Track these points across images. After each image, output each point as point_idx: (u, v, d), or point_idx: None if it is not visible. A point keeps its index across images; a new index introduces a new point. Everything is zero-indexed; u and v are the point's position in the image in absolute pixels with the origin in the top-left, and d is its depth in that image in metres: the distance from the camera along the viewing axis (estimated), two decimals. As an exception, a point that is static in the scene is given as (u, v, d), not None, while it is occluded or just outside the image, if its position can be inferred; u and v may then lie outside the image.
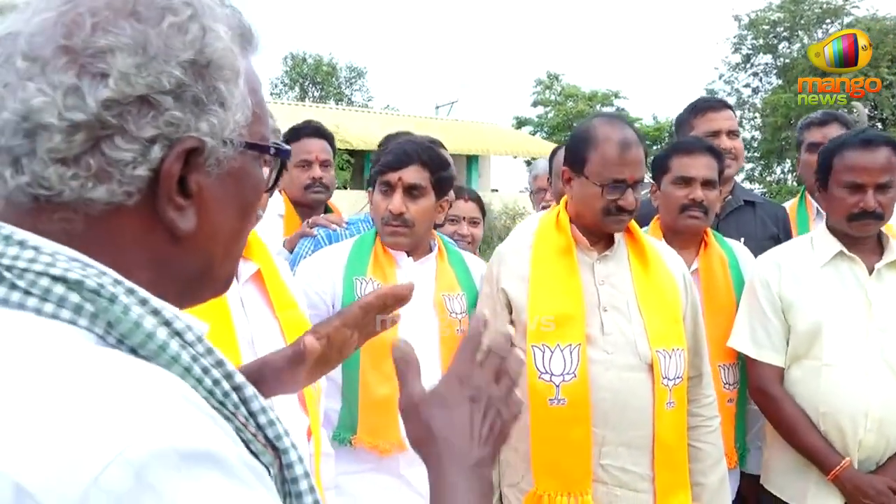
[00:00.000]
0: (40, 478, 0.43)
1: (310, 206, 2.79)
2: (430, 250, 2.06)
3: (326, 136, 2.88)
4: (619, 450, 1.78)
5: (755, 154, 27.41)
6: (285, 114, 17.35)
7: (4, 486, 0.43)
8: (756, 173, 27.31)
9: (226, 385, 0.59)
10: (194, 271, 0.65)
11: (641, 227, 2.23)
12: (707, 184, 2.24)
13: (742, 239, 2.53)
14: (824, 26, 27.56)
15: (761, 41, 28.54)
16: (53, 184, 0.56)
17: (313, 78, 34.36)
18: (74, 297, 0.54)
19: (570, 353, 1.78)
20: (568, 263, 1.86)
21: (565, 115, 28.20)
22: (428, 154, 2.00)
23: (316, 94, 34.37)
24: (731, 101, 29.08)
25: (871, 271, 2.06)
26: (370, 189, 2.10)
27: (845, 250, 2.08)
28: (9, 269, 0.54)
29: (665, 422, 1.80)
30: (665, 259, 1.97)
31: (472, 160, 19.64)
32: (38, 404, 0.46)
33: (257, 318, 1.82)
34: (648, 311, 1.84)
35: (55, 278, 0.54)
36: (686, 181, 2.24)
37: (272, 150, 0.69)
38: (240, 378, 0.61)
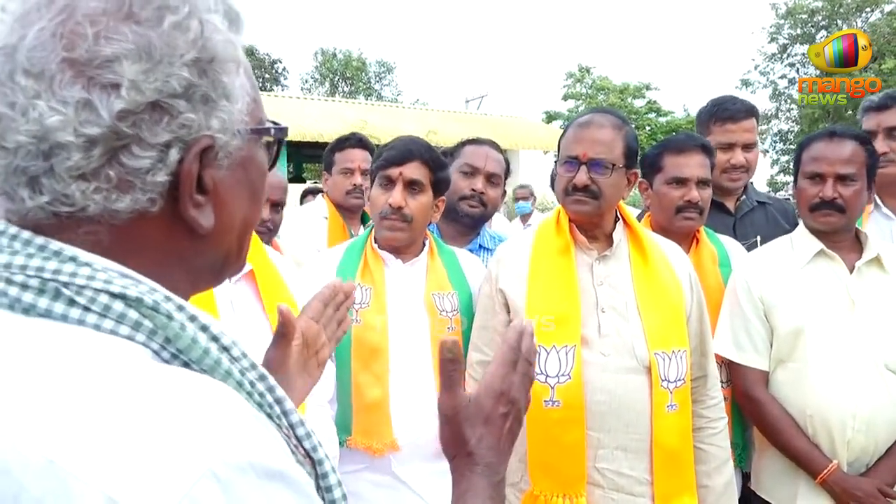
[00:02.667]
0: (132, 492, 0.44)
1: (350, 209, 3.02)
2: (422, 249, 2.07)
3: (369, 147, 3.08)
4: (616, 453, 1.75)
5: (791, 146, 26.86)
6: (315, 109, 17.48)
7: (93, 498, 0.44)
8: (792, 166, 26.75)
9: (269, 398, 0.61)
10: (213, 263, 0.66)
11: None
12: (701, 183, 2.22)
13: (759, 238, 2.52)
14: (864, 15, 26.81)
15: (799, 30, 27.90)
16: (77, 200, 0.55)
17: (343, 73, 34.57)
18: (133, 314, 0.54)
19: (566, 354, 1.76)
20: (565, 264, 1.84)
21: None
22: (429, 153, 2.03)
23: (346, 89, 34.59)
24: (767, 92, 28.52)
25: (851, 270, 2.03)
26: (368, 186, 2.13)
27: (826, 249, 2.05)
28: (66, 285, 0.54)
29: (665, 425, 1.75)
30: (669, 258, 1.93)
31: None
32: (122, 420, 0.47)
33: (247, 317, 1.87)
34: (648, 311, 1.81)
35: (114, 295, 0.54)
36: (681, 182, 2.22)
37: (272, 131, 0.68)
38: (280, 392, 0.62)
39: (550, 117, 29.65)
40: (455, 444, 0.81)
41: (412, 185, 1.98)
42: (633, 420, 1.75)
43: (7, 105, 0.54)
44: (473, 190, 2.43)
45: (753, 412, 2.10)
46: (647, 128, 27.17)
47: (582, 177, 1.81)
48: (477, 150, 2.52)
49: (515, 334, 0.84)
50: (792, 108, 28.47)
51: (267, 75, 34.96)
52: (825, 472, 1.94)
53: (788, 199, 3.26)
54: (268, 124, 0.68)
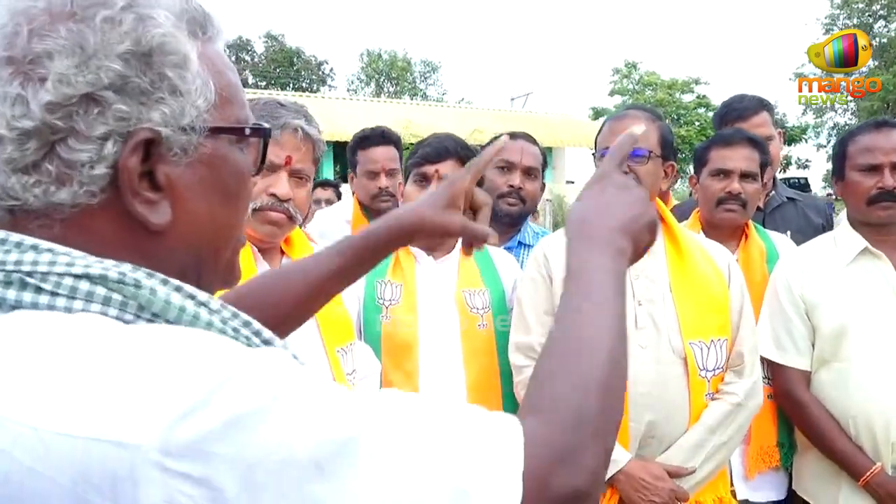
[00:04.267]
0: (119, 425, 0.46)
1: (379, 212, 2.80)
2: (454, 247, 2.09)
3: (393, 140, 2.86)
4: (657, 442, 1.79)
5: (848, 140, 25.96)
6: (361, 109, 17.70)
7: (24, 431, 0.47)
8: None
9: (257, 341, 0.62)
10: (187, 264, 0.65)
11: (681, 221, 2.23)
12: (746, 176, 2.20)
13: (788, 232, 2.50)
14: (926, 2, 25.81)
15: (855, 21, 27.03)
16: (18, 193, 0.57)
17: (388, 73, 34.85)
18: (101, 290, 0.56)
19: None
20: None
21: (644, 104, 27.52)
22: (465, 151, 2.06)
23: (391, 89, 34.85)
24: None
25: None
26: (400, 182, 2.15)
27: (870, 247, 2.01)
28: (30, 274, 0.55)
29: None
30: (707, 249, 1.96)
31: (546, 152, 19.47)
32: (96, 370, 0.49)
33: None
34: (683, 302, 1.83)
35: (78, 276, 0.55)
36: (724, 173, 2.21)
37: (247, 131, 0.67)
38: (268, 333, 0.64)
39: (597, 114, 29.37)
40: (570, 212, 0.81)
41: (421, 179, 2.01)
42: (673, 410, 1.78)
43: None
44: (511, 186, 2.36)
45: (795, 413, 2.07)
46: (697, 123, 26.68)
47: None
48: (512, 144, 2.44)
49: (627, 137, 0.88)
50: (849, 101, 27.58)
51: (314, 76, 35.48)
52: (868, 474, 1.91)
53: (831, 194, 3.19)
54: (247, 125, 0.67)
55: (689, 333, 1.81)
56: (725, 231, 2.24)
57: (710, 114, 27.92)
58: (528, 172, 2.41)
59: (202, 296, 0.60)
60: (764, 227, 2.51)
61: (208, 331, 0.57)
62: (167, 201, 0.61)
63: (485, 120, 16.81)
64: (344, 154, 3.89)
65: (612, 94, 30.45)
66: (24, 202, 0.58)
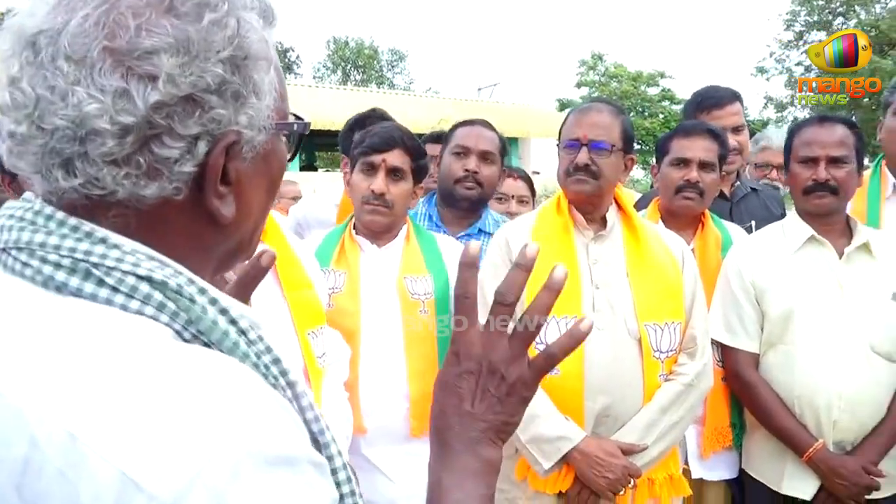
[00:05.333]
0: (146, 468, 0.47)
1: None
2: (398, 234, 2.11)
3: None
4: (611, 420, 1.85)
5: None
6: (327, 98, 17.54)
7: (109, 474, 0.47)
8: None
9: (283, 381, 0.63)
10: (231, 250, 0.69)
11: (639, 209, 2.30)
12: (704, 166, 2.27)
13: (753, 222, 2.59)
14: (882, 1, 26.40)
15: (816, 17, 27.55)
16: (107, 184, 0.57)
17: (355, 62, 34.56)
18: (158, 296, 0.57)
19: (566, 325, 1.83)
20: (566, 240, 1.95)
21: (610, 96, 27.79)
22: (411, 140, 2.09)
23: (358, 77, 34.58)
24: (783, 79, 28.24)
25: (840, 255, 2.08)
26: (346, 170, 2.16)
27: (816, 235, 2.10)
28: (96, 266, 0.57)
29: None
30: (663, 237, 2.04)
31: (512, 143, 19.57)
32: (141, 398, 0.49)
33: (264, 300, 1.93)
34: (639, 287, 1.91)
35: (141, 277, 0.57)
36: (683, 162, 2.27)
37: (295, 126, 0.70)
38: (294, 375, 0.65)
39: (563, 105, 29.53)
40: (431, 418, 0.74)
41: (394, 173, 2.03)
42: (627, 389, 1.85)
43: (47, 88, 0.56)
44: (467, 170, 2.39)
45: (744, 393, 2.16)
46: (661, 115, 27.03)
47: (583, 157, 1.92)
48: (468, 130, 2.49)
49: (462, 289, 0.74)
50: (809, 96, 28.07)
51: (280, 63, 34.95)
52: (811, 450, 2.01)
53: (778, 187, 3.29)
54: (291, 118, 0.70)
55: (644, 316, 1.88)
56: (683, 219, 2.31)
57: (675, 107, 28.34)
58: (485, 157, 2.44)
59: (243, 323, 0.62)
60: (731, 216, 2.60)
61: (244, 363, 0.59)
62: (232, 195, 0.64)
63: (452, 109, 16.79)
64: (310, 142, 3.85)
65: (578, 85, 30.67)
66: (109, 192, 0.58)
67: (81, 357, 0.52)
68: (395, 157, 2.04)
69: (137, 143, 0.57)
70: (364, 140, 2.08)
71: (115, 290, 0.57)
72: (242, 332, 0.61)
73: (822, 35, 28.00)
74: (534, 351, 0.72)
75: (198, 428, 0.49)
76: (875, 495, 2.01)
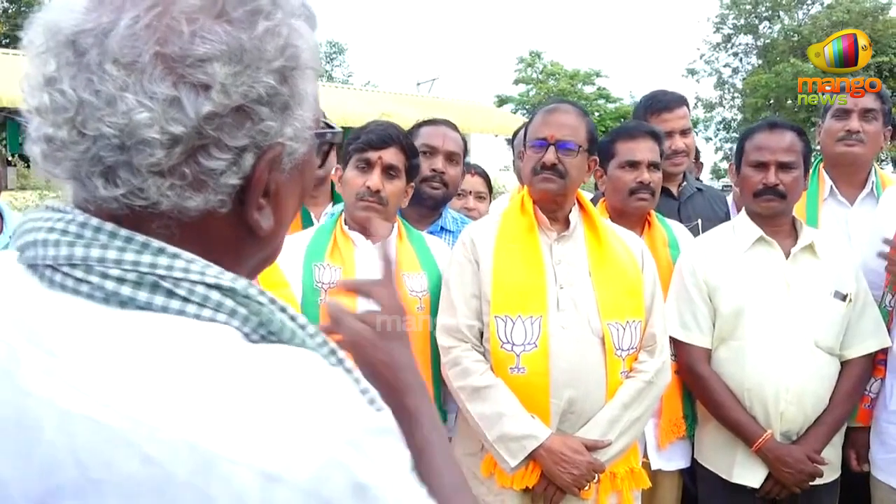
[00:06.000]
0: (281, 460, 0.47)
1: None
2: (390, 232, 2.10)
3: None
4: (575, 417, 1.90)
5: (734, 134, 27.61)
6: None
7: (245, 474, 0.46)
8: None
9: (342, 368, 0.63)
10: (263, 259, 0.68)
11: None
12: (651, 166, 2.35)
13: (700, 220, 2.69)
14: (805, 7, 27.60)
15: (742, 21, 28.59)
16: (151, 195, 0.55)
17: (294, 53, 33.96)
18: (229, 303, 0.56)
19: (531, 324, 1.89)
20: (531, 240, 1.99)
21: (547, 93, 28.20)
22: (406, 139, 2.10)
23: (296, 69, 33.99)
24: (712, 80, 29.27)
25: (787, 255, 2.19)
26: (337, 166, 2.15)
27: (765, 235, 2.20)
28: (163, 278, 0.55)
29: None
30: (623, 237, 2.09)
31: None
32: (250, 398, 0.49)
33: None
34: (601, 286, 1.95)
35: (210, 286, 0.56)
36: (633, 165, 2.34)
37: (329, 136, 0.68)
38: (349, 363, 0.65)
39: (501, 101, 29.77)
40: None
41: (389, 170, 2.03)
42: (591, 387, 1.90)
43: (92, 92, 0.52)
44: (434, 170, 2.41)
45: (696, 386, 2.25)
46: (597, 114, 27.60)
47: (550, 156, 1.97)
48: (434, 130, 2.50)
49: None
50: (735, 97, 29.22)
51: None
52: (760, 440, 2.10)
53: (728, 186, 3.41)
54: (323, 124, 0.68)
55: (607, 315, 1.94)
56: (632, 219, 2.38)
57: (610, 105, 28.99)
58: (450, 158, 2.46)
59: (300, 319, 0.62)
60: (678, 215, 2.70)
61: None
62: (270, 207, 0.62)
63: (392, 103, 16.72)
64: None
65: (516, 82, 30.98)
66: (153, 203, 0.55)
67: (176, 368, 0.50)
68: (391, 156, 2.03)
69: (185, 154, 0.54)
70: (360, 137, 2.07)
71: (185, 300, 0.55)
72: (302, 327, 0.61)
73: (748, 38, 29.09)
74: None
75: (313, 414, 0.50)
76: (818, 481, 2.12)
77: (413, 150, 2.11)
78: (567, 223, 2.04)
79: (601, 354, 1.92)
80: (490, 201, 3.04)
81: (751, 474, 2.15)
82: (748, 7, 27.53)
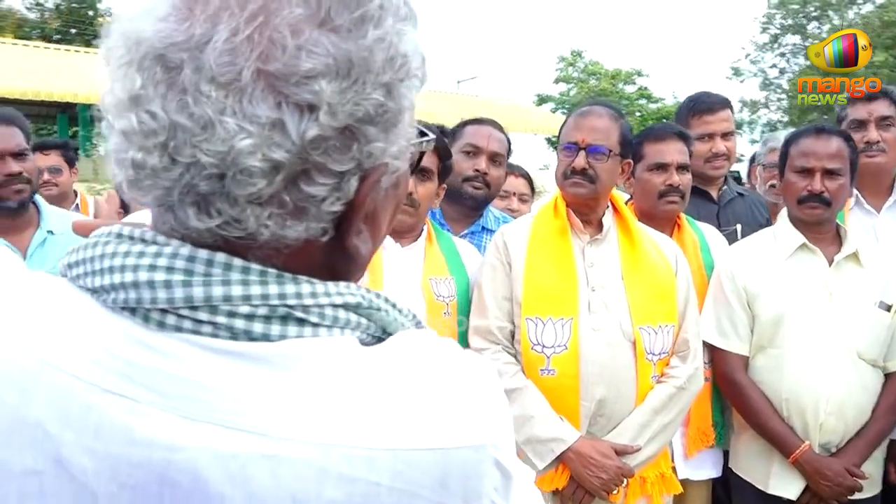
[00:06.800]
0: (483, 433, 0.51)
1: None
2: (420, 235, 2.10)
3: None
4: (605, 420, 1.89)
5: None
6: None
7: (485, 457, 0.51)
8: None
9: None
10: (355, 278, 0.62)
11: None
12: (680, 168, 2.32)
13: (739, 226, 2.65)
14: (855, 7, 26.89)
15: (790, 21, 27.97)
16: (250, 226, 0.49)
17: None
18: (354, 317, 0.54)
19: (562, 326, 1.89)
20: (563, 244, 1.98)
21: (588, 93, 27.92)
22: (440, 141, 2.07)
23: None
24: (757, 81, 28.66)
25: (830, 263, 2.14)
26: None
27: (808, 242, 2.15)
28: (293, 307, 0.51)
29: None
30: (656, 240, 2.07)
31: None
32: (429, 395, 0.51)
33: None
34: (634, 290, 1.94)
35: (337, 306, 0.53)
36: (662, 167, 2.31)
37: (424, 145, 0.62)
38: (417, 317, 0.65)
39: (541, 100, 29.60)
40: None
41: (422, 172, 2.00)
42: (622, 390, 1.89)
43: (186, 115, 0.46)
44: (477, 170, 2.37)
45: (733, 395, 2.21)
46: (638, 114, 27.26)
47: (580, 161, 1.95)
48: (479, 129, 2.47)
49: None
50: (782, 99, 28.59)
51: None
52: (797, 451, 2.06)
53: (770, 187, 3.34)
54: (422, 138, 0.61)
55: (639, 319, 1.92)
56: (661, 222, 2.33)
57: (652, 105, 28.61)
58: (494, 158, 2.43)
59: (397, 303, 0.60)
60: (717, 219, 2.65)
61: None
62: (368, 230, 0.56)
63: (432, 102, 16.76)
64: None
65: (556, 81, 30.75)
66: (251, 233, 0.50)
67: (333, 386, 0.49)
68: (425, 158, 2.02)
69: (285, 181, 0.49)
70: None
71: (316, 325, 0.51)
72: (419, 324, 0.60)
73: (796, 38, 28.43)
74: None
75: (479, 392, 0.53)
76: (857, 496, 2.07)
77: (447, 152, 2.10)
78: (600, 226, 2.02)
79: (632, 358, 1.90)
80: (532, 202, 3.03)
81: (788, 486, 2.11)
82: (796, 7, 26.92)
